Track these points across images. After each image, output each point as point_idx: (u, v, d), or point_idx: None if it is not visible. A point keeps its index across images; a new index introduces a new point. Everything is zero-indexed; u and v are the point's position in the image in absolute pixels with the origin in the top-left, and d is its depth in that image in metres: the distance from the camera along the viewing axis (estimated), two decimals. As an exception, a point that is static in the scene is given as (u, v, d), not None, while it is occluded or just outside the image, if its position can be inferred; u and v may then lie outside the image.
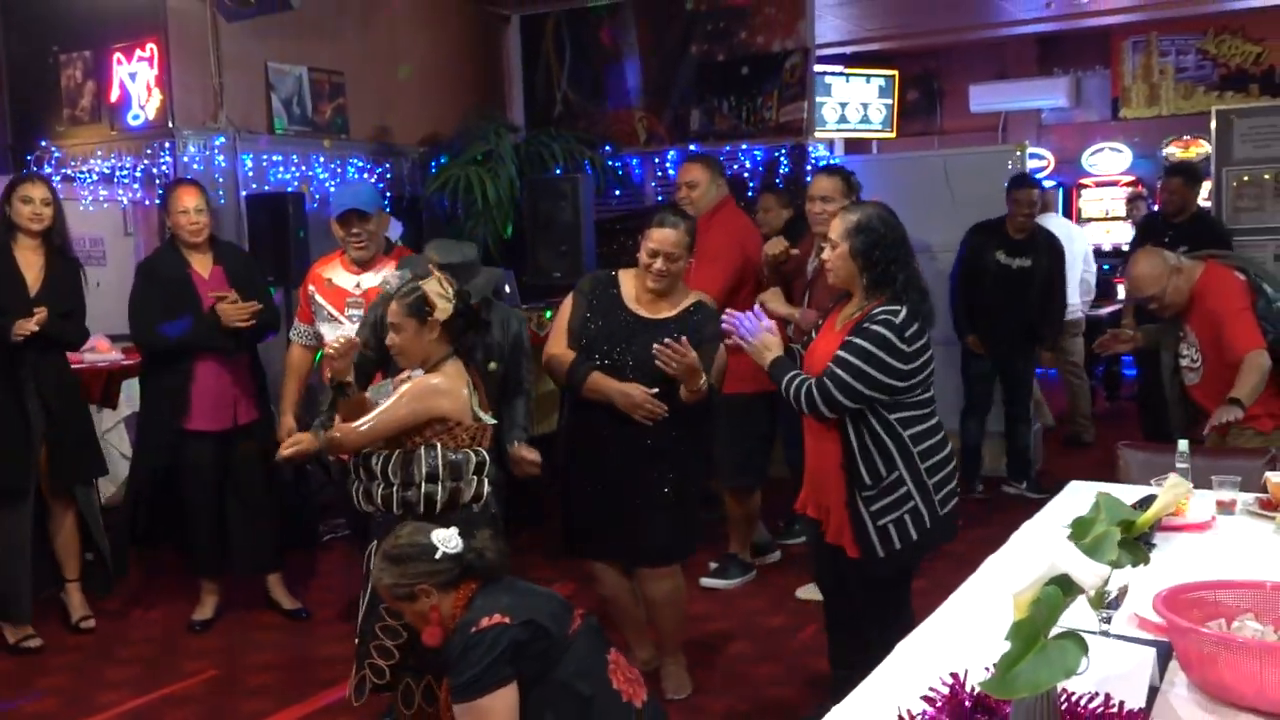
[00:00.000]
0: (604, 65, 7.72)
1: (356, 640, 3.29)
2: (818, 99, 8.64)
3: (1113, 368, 9.14)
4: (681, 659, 3.97)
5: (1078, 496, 3.33)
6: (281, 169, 6.44)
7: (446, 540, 2.62)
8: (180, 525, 4.76)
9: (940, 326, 4.22)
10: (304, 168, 6.58)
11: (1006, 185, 6.21)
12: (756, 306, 3.49)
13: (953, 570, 4.89)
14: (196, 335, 4.52)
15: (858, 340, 3.09)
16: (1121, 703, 1.72)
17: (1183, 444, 3.29)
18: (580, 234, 5.23)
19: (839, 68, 10.97)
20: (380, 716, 3.63)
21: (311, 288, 4.55)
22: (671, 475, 3.69)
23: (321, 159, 6.68)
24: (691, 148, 7.16)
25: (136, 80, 6.08)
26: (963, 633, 2.26)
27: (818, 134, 7.36)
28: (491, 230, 6.78)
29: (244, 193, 6.20)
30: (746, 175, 7.02)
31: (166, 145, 6.02)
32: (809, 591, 4.74)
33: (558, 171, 6.82)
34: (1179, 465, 3.22)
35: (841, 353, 3.09)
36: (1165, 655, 1.99)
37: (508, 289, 6.00)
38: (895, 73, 11.07)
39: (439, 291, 3.23)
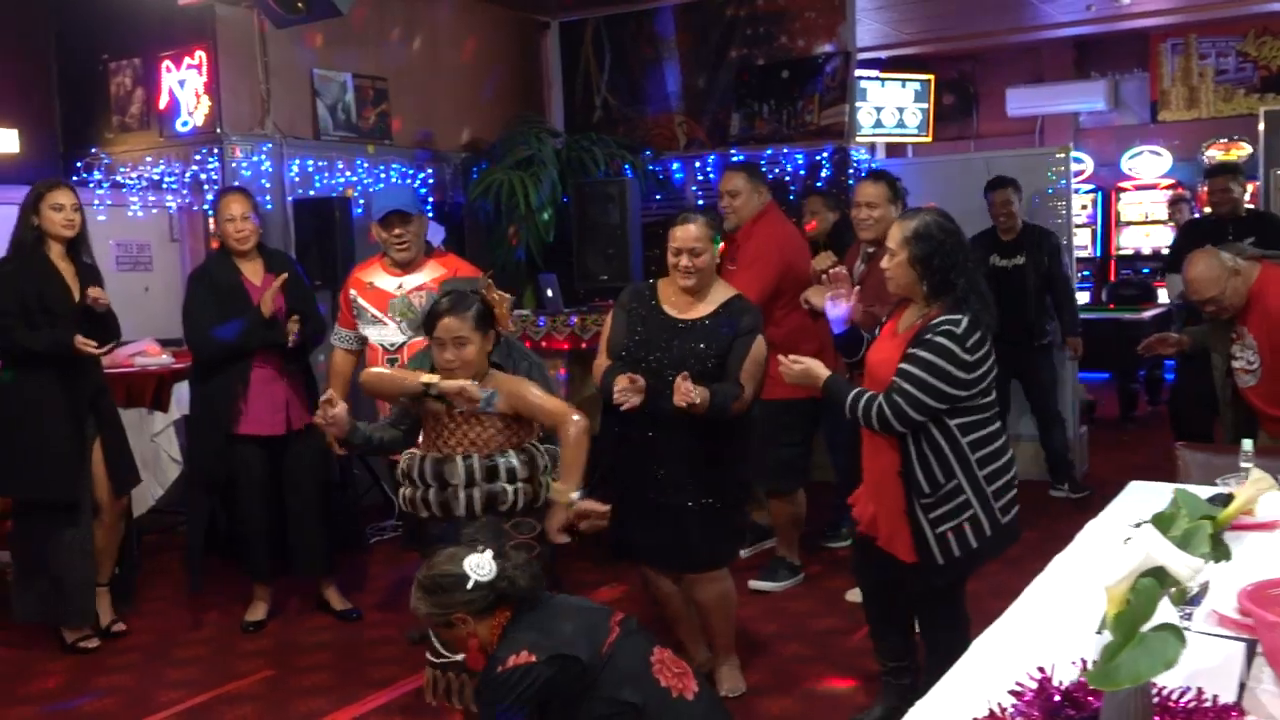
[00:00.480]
0: (643, 70, 7.75)
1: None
2: (854, 104, 8.61)
3: (1154, 372, 9.06)
4: (735, 659, 3.97)
5: (1139, 496, 3.31)
6: (326, 174, 6.50)
7: (478, 567, 2.62)
8: (233, 529, 4.80)
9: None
10: (348, 173, 6.64)
11: (984, 189, 6.23)
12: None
13: (1004, 572, 4.90)
14: (251, 336, 4.55)
15: (920, 353, 3.08)
16: (1215, 696, 1.71)
17: (1247, 443, 3.26)
18: (627, 237, 5.24)
19: (874, 72, 10.95)
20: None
21: (353, 292, 4.56)
22: (713, 480, 3.70)
23: (365, 165, 6.74)
24: (732, 151, 7.18)
25: (185, 87, 6.16)
26: (1038, 629, 2.26)
27: (857, 138, 7.34)
28: (534, 235, 6.81)
29: (290, 198, 6.26)
30: (788, 179, 7.02)
31: (215, 152, 6.09)
32: (858, 595, 4.73)
33: (600, 176, 6.84)
34: (1243, 464, 3.19)
35: (906, 366, 3.09)
36: (1249, 651, 1.98)
37: (550, 293, 6.03)
38: (931, 77, 11.04)
39: (498, 297, 3.25)
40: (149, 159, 6.34)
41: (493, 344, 3.27)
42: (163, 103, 6.28)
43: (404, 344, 4.41)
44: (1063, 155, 6.63)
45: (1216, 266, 4.25)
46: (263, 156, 6.20)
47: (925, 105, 11.05)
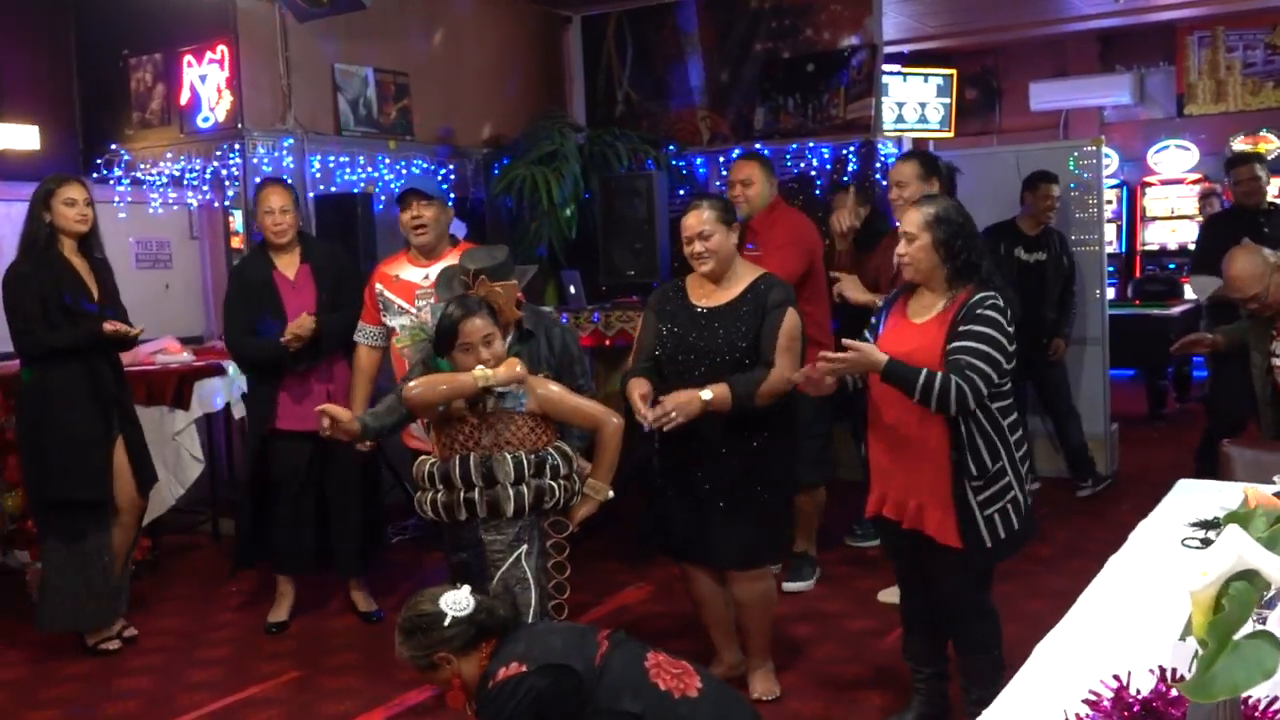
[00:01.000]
0: (666, 64, 7.67)
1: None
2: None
3: (1182, 369, 8.94)
4: (770, 662, 3.89)
5: (1188, 495, 3.22)
6: (348, 170, 6.43)
7: (455, 604, 2.59)
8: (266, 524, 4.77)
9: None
10: (370, 169, 6.57)
11: (1023, 181, 6.12)
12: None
13: (1040, 572, 4.80)
14: (264, 354, 4.57)
15: (979, 328, 3.07)
16: (1307, 706, 1.62)
17: (1301, 441, 3.18)
18: (655, 232, 5.15)
19: (896, 67, 10.84)
20: None
21: (379, 286, 4.51)
22: (759, 477, 3.62)
23: (387, 160, 6.67)
24: (757, 146, 7.08)
25: (206, 83, 6.10)
26: (1103, 634, 2.16)
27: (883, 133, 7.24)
28: (557, 231, 6.74)
29: (312, 194, 6.20)
30: (814, 173, 6.93)
31: (236, 147, 6.03)
32: (891, 595, 4.64)
33: (623, 170, 6.77)
34: (1296, 462, 3.11)
35: (969, 344, 3.06)
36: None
37: (574, 289, 5.95)
38: (954, 72, 10.92)
39: (500, 289, 3.21)
40: (170, 155, 6.28)
41: (505, 335, 3.23)
42: (184, 98, 6.22)
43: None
44: (1095, 147, 6.51)
45: (1259, 263, 4.16)
46: (284, 152, 6.14)
47: (947, 100, 10.91)
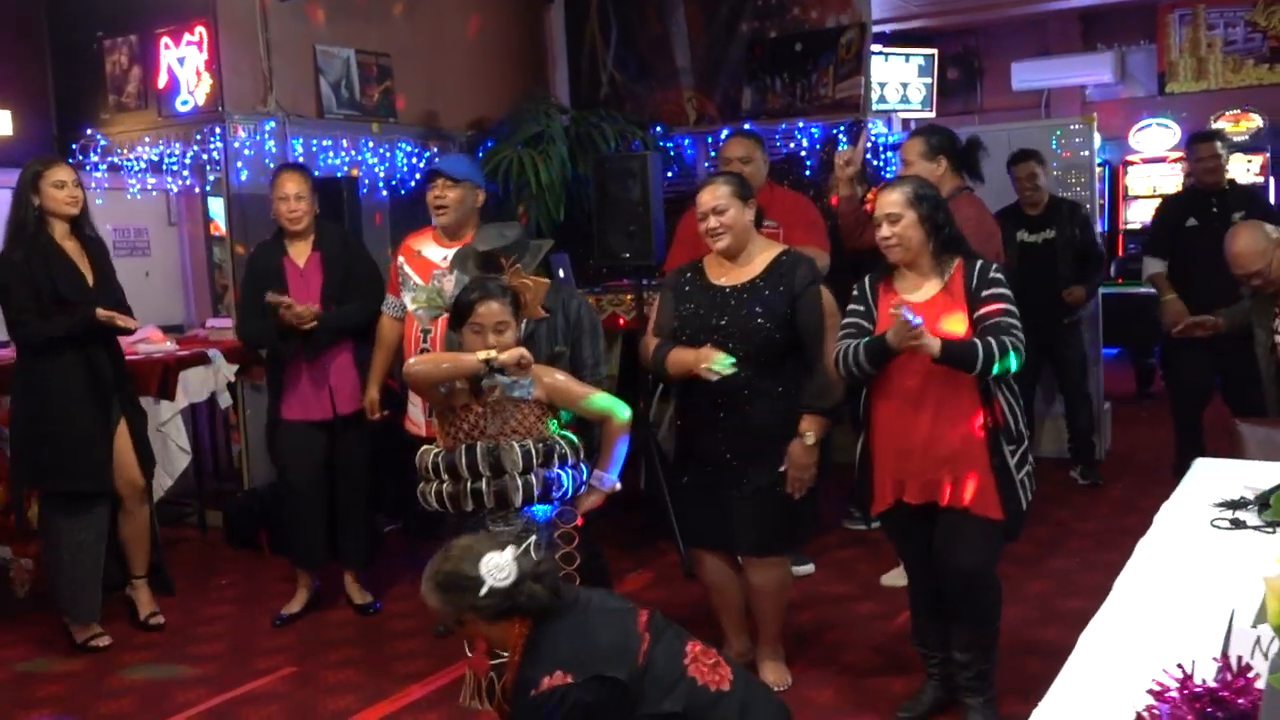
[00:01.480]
0: (651, 45, 7.56)
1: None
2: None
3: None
4: (780, 650, 3.83)
5: (1208, 475, 3.17)
6: (331, 154, 6.31)
7: (497, 572, 2.41)
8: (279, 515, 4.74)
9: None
10: (353, 152, 6.45)
11: (1006, 163, 6.04)
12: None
13: (1044, 556, 4.75)
14: (261, 339, 4.52)
15: (1002, 291, 3.15)
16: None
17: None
18: (650, 214, 5.05)
19: (878, 47, 10.77)
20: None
21: (401, 259, 4.44)
22: (778, 463, 3.54)
23: (370, 143, 6.55)
24: (745, 126, 6.98)
25: (185, 65, 5.95)
26: (1145, 621, 2.11)
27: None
28: (544, 213, 6.63)
29: (296, 178, 6.06)
30: (803, 154, 6.85)
31: (217, 131, 5.88)
32: (894, 578, 4.60)
33: (611, 152, 6.67)
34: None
35: (1001, 306, 3.12)
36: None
37: (562, 273, 5.85)
38: (935, 52, 10.87)
39: (530, 283, 3.12)
40: (148, 140, 6.13)
41: (520, 330, 3.16)
42: (161, 81, 6.07)
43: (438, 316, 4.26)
44: (1088, 125, 6.47)
45: (1261, 239, 4.13)
46: (266, 136, 6.00)
47: (929, 80, 10.86)
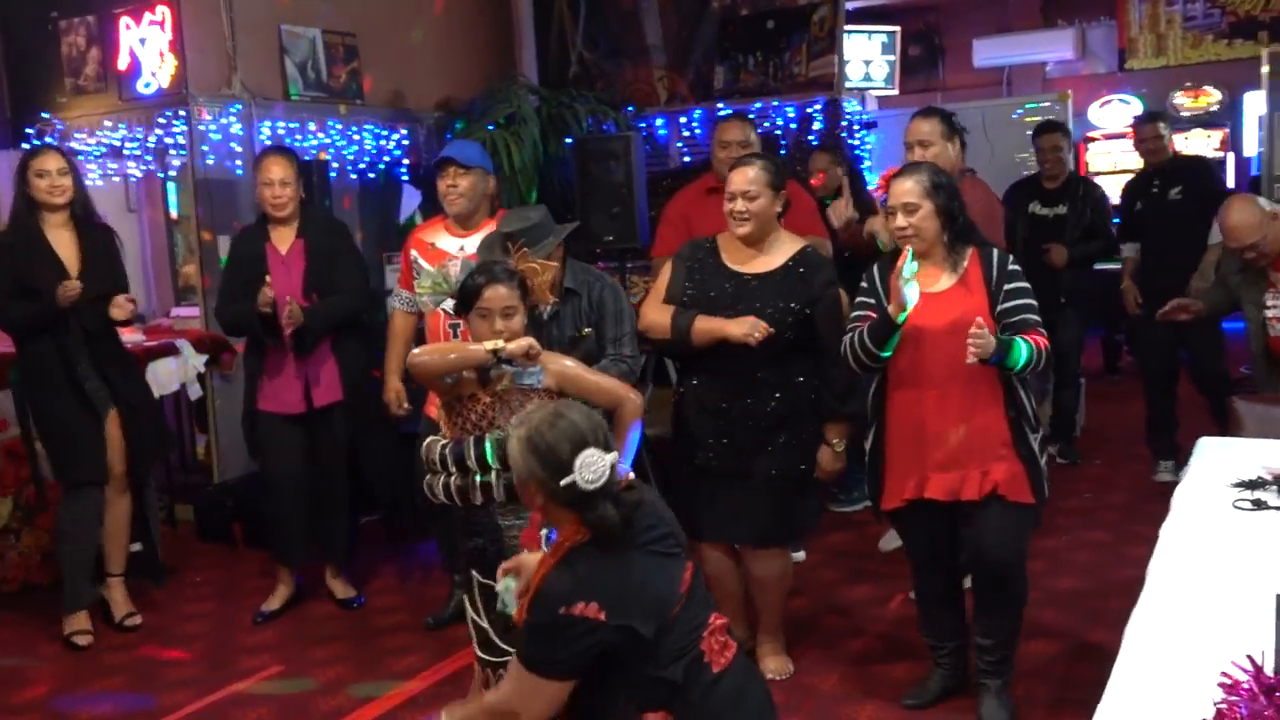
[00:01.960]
0: (621, 22, 7.45)
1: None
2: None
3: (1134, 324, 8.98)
4: (781, 639, 3.79)
5: (1216, 455, 3.16)
6: (298, 136, 6.14)
7: (587, 470, 2.23)
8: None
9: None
10: (320, 135, 6.29)
11: (1031, 133, 6.05)
12: None
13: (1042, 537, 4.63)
14: (240, 327, 4.38)
15: (1022, 284, 3.13)
16: None
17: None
18: (634, 196, 4.96)
19: (842, 24, 10.73)
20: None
21: (413, 251, 4.31)
22: (793, 451, 3.50)
23: (338, 126, 6.39)
24: (718, 105, 6.93)
25: (147, 46, 5.76)
26: (1188, 610, 2.07)
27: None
28: (517, 196, 6.51)
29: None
30: (779, 133, 6.78)
31: (181, 114, 5.70)
32: (890, 542, 4.59)
33: (587, 133, 6.56)
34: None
35: (1027, 301, 3.10)
36: None
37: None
38: (898, 29, 10.86)
39: (538, 267, 3.03)
40: (108, 124, 5.93)
41: (527, 317, 3.06)
42: (122, 63, 5.87)
43: None
44: (1063, 102, 6.47)
45: (1256, 212, 4.14)
46: (232, 118, 5.83)
47: (892, 57, 10.86)
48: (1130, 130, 10.47)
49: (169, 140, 5.78)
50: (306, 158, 6.01)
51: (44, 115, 6.11)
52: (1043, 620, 3.96)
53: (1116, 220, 6.23)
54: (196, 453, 6.14)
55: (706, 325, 3.42)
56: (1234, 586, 2.13)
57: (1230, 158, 10.41)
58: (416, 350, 3.02)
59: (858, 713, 3.48)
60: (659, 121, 7.17)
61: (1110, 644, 3.62)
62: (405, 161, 6.78)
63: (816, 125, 6.67)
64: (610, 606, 2.20)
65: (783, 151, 6.69)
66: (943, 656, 3.44)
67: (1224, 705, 1.57)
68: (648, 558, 2.31)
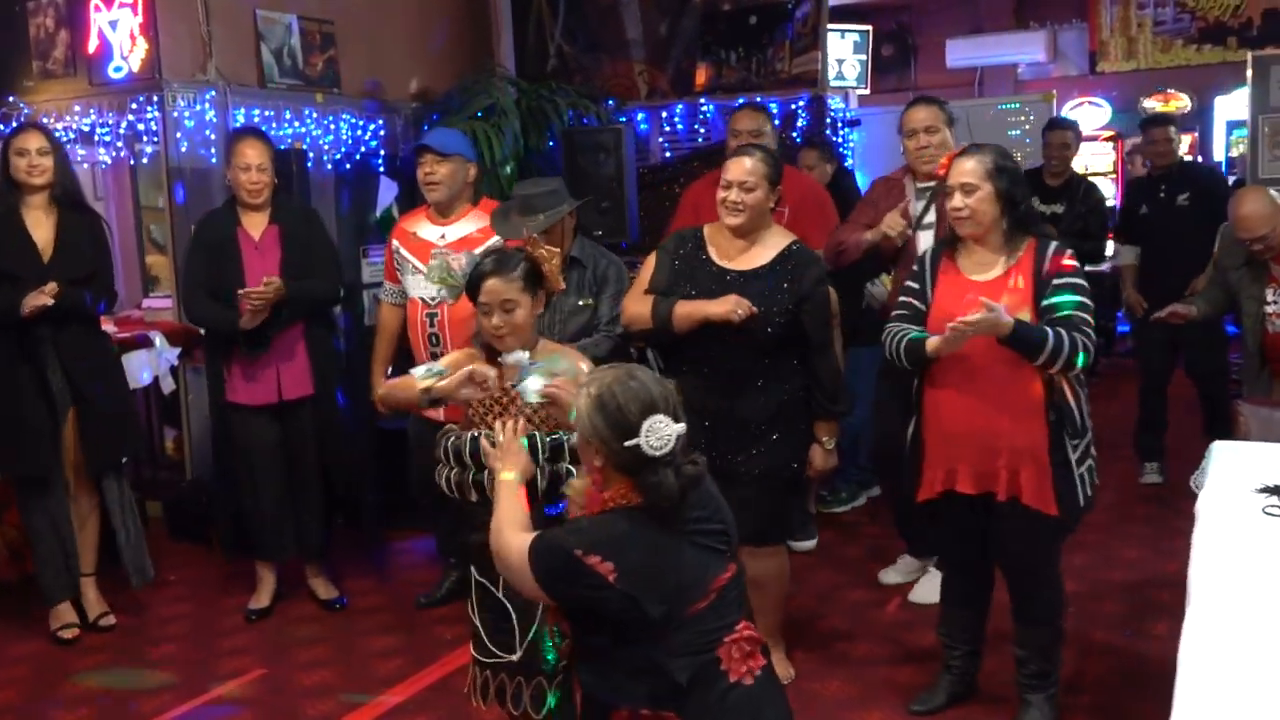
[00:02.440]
0: (601, 16, 7.34)
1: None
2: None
3: (1108, 325, 9.02)
4: (780, 642, 3.71)
5: (1231, 458, 3.12)
6: (274, 125, 5.97)
7: (653, 436, 2.15)
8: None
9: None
10: (297, 124, 6.12)
11: (1043, 129, 6.03)
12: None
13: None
14: (227, 325, 4.19)
15: (1076, 281, 2.99)
16: None
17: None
18: (624, 189, 4.87)
19: (815, 22, 10.69)
20: None
21: (396, 242, 4.23)
22: (787, 448, 3.43)
23: (315, 115, 6.23)
24: (701, 101, 6.86)
25: (118, 29, 5.58)
26: (1242, 624, 2.01)
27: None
28: (498, 189, 6.39)
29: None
30: (763, 129, 6.70)
31: (154, 100, 5.53)
32: (891, 575, 4.51)
33: (570, 126, 6.46)
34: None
35: (1075, 298, 2.97)
36: None
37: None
38: (870, 28, 10.83)
39: (545, 253, 2.91)
40: (77, 109, 5.74)
41: (543, 306, 2.95)
42: (92, 46, 5.68)
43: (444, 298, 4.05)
44: (1048, 102, 6.46)
45: (1268, 204, 4.18)
46: (206, 105, 5.66)
47: (864, 57, 10.83)
48: (1109, 132, 10.70)
49: (140, 127, 5.61)
50: (283, 146, 5.86)
51: (10, 99, 5.91)
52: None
53: (1112, 224, 6.23)
54: (166, 448, 5.97)
55: (687, 309, 3.32)
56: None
57: (1198, 161, 10.49)
58: (381, 389, 3.10)
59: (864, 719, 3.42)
60: (640, 116, 7.08)
61: (1111, 644, 3.61)
62: (382, 153, 6.64)
63: (800, 122, 6.61)
64: (624, 572, 2.15)
65: (766, 148, 6.62)
66: (954, 659, 3.38)
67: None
68: (687, 544, 2.23)
